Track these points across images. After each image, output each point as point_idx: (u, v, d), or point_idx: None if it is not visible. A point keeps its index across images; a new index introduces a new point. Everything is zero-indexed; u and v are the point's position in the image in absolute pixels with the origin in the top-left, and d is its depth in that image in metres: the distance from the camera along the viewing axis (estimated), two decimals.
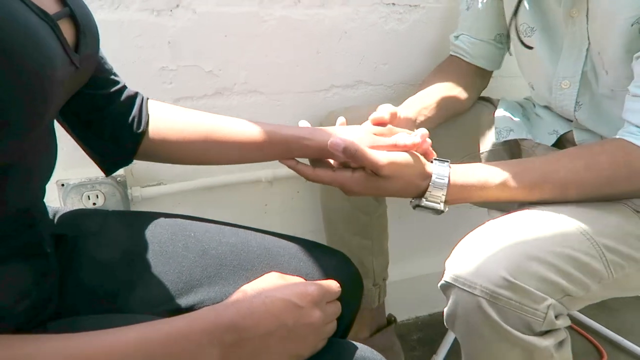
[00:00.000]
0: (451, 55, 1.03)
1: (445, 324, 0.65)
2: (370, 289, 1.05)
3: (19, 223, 0.47)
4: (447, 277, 0.62)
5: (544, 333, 0.59)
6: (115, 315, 0.55)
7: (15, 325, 0.46)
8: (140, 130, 0.64)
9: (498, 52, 1.00)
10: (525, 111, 0.99)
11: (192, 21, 0.91)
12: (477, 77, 1.01)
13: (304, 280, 0.54)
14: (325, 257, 0.69)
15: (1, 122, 0.36)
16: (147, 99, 0.67)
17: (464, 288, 0.59)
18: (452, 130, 0.96)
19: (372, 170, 0.66)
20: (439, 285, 0.64)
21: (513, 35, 0.90)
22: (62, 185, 0.89)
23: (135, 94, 0.66)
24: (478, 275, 0.59)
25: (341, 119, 0.75)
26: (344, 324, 0.68)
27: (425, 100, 0.91)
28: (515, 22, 0.88)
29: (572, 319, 1.32)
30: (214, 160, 0.69)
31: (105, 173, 0.67)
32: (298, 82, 1.04)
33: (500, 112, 0.96)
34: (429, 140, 0.72)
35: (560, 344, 0.61)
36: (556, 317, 0.59)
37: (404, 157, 0.67)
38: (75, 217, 0.64)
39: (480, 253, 0.61)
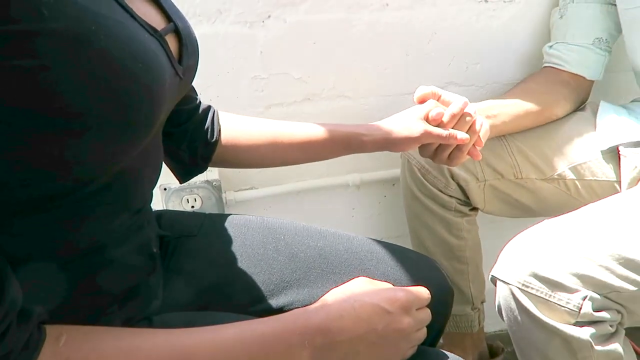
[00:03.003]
0: (545, 67, 0.98)
1: (498, 315, 0.69)
2: (469, 314, 1.01)
3: (132, 225, 0.51)
4: (492, 272, 0.68)
5: (584, 324, 0.61)
6: (210, 313, 0.58)
7: (124, 319, 0.50)
8: (214, 140, 0.68)
9: (597, 59, 0.93)
10: (633, 112, 0.90)
11: (283, 30, 0.94)
12: (574, 88, 0.95)
13: (393, 286, 0.53)
14: (414, 263, 0.68)
15: (115, 134, 0.40)
16: (217, 110, 0.71)
17: (503, 279, 0.65)
18: (551, 140, 0.91)
19: None
20: (489, 279, 0.69)
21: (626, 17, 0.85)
22: (165, 189, 0.96)
23: (208, 107, 0.70)
24: (513, 267, 0.64)
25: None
26: (434, 332, 0.66)
27: (502, 101, 0.88)
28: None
29: None
30: (280, 162, 0.73)
31: (180, 180, 0.71)
32: (386, 85, 1.03)
33: (604, 116, 0.89)
34: (473, 113, 0.70)
35: (606, 337, 0.62)
36: (599, 310, 0.60)
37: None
38: (176, 220, 0.68)
39: (519, 248, 0.66)
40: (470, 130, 0.70)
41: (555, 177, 0.89)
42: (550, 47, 0.96)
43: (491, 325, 1.12)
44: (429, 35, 1.01)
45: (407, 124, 0.69)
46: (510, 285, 0.64)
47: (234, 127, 0.71)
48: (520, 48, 1.06)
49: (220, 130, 0.69)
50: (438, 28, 1.00)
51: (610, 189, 0.87)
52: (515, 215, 0.98)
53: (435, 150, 0.71)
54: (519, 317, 0.64)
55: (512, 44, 1.05)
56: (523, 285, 0.62)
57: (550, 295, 0.61)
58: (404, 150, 0.71)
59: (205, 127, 0.68)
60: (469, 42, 1.03)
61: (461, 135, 0.68)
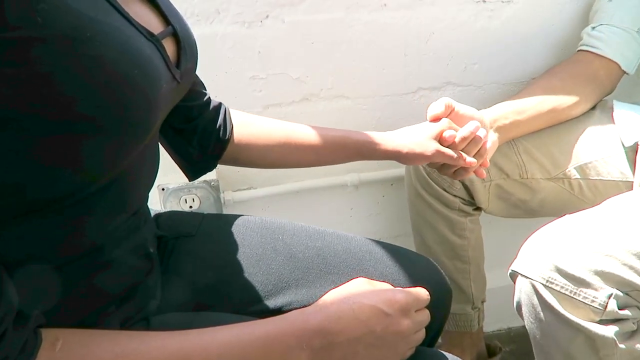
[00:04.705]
0: (579, 50, 0.96)
1: (516, 312, 0.68)
2: (469, 313, 1.01)
3: (129, 225, 0.51)
4: (512, 266, 0.66)
5: (608, 322, 0.60)
6: (208, 314, 0.58)
7: (122, 319, 0.50)
8: (226, 137, 0.68)
9: (637, 49, 0.92)
10: None
11: (281, 31, 0.94)
12: (601, 82, 0.93)
13: (392, 287, 0.53)
14: (412, 263, 0.68)
15: (112, 139, 0.40)
16: (228, 108, 0.71)
17: (524, 274, 0.64)
18: (558, 139, 0.90)
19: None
20: (508, 274, 0.67)
21: None
22: (163, 189, 0.96)
23: (220, 104, 0.69)
24: (537, 262, 0.63)
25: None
26: (432, 332, 0.67)
27: (517, 104, 0.86)
28: None
29: None
30: (291, 163, 0.73)
31: (189, 178, 0.71)
32: (384, 85, 1.03)
33: (622, 114, 0.88)
34: (481, 135, 0.72)
35: (628, 335, 0.61)
36: (623, 308, 0.60)
37: None
38: (174, 220, 0.68)
39: (541, 243, 0.65)
40: (478, 153, 0.73)
41: (561, 176, 0.89)
42: (594, 28, 0.94)
43: (489, 324, 1.12)
44: (427, 35, 1.01)
45: (420, 140, 0.71)
46: (532, 281, 0.63)
47: (246, 125, 0.71)
48: (518, 48, 1.06)
49: (232, 128, 0.69)
50: (436, 28, 1.00)
51: (614, 188, 0.87)
52: (517, 216, 0.98)
53: (442, 164, 0.75)
54: (541, 314, 0.63)
55: (510, 44, 1.05)
56: (547, 281, 0.61)
57: (575, 292, 0.60)
58: (413, 165, 0.72)
59: (218, 124, 0.67)
60: (467, 42, 1.03)
61: (469, 159, 0.72)
